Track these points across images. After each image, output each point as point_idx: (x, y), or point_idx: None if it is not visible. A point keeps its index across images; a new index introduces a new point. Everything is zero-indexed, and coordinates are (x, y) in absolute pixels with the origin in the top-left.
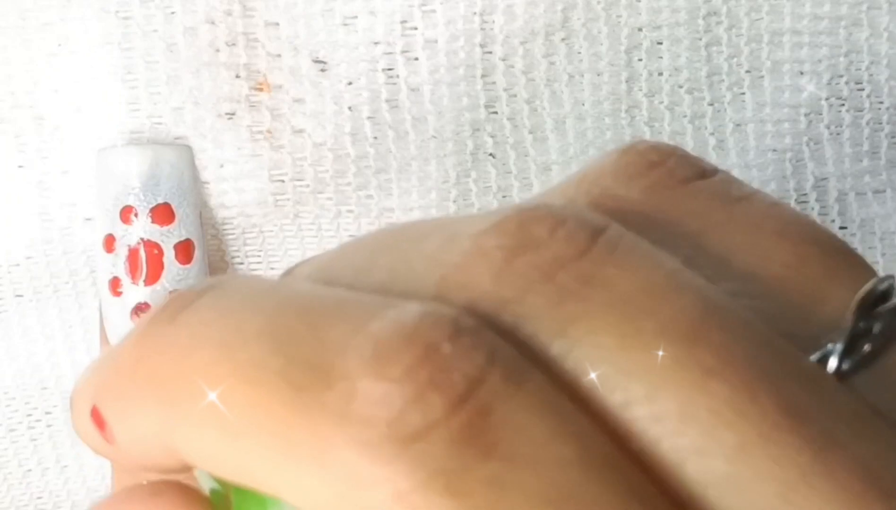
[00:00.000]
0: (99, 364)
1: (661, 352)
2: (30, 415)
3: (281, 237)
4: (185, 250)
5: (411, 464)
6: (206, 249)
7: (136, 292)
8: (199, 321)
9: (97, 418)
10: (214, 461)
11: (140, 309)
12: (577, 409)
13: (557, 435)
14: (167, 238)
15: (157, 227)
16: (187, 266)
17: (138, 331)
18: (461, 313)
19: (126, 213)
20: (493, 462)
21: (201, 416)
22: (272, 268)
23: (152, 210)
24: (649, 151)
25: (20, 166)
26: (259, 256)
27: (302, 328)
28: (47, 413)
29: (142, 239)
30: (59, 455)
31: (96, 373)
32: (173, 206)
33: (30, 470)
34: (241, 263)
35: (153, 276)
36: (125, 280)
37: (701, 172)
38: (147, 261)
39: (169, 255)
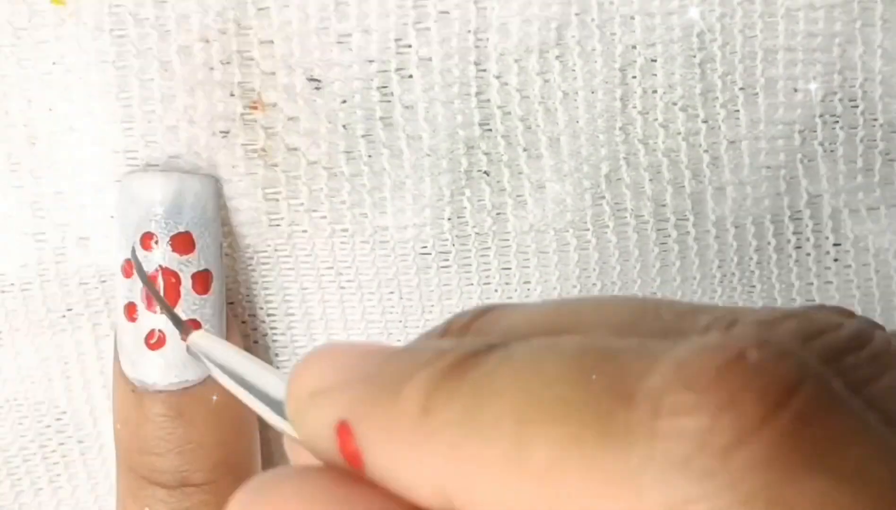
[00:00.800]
0: (363, 383)
1: None
2: (42, 434)
3: (275, 257)
4: (203, 280)
5: (730, 477)
6: (225, 281)
7: (151, 319)
8: (494, 372)
9: (345, 434)
10: (509, 505)
11: (152, 336)
12: (891, 432)
13: (878, 454)
14: (186, 267)
15: (176, 255)
16: (204, 296)
17: (426, 379)
18: (764, 328)
19: (146, 240)
20: (819, 477)
21: (501, 462)
22: (266, 288)
23: (173, 238)
24: (840, 309)
25: (13, 186)
26: (253, 276)
27: (601, 365)
28: (59, 432)
29: (160, 266)
30: (70, 474)
31: (356, 391)
32: (194, 236)
33: (41, 488)
34: (236, 283)
35: (169, 304)
36: (140, 306)
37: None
38: (164, 289)
39: (186, 284)
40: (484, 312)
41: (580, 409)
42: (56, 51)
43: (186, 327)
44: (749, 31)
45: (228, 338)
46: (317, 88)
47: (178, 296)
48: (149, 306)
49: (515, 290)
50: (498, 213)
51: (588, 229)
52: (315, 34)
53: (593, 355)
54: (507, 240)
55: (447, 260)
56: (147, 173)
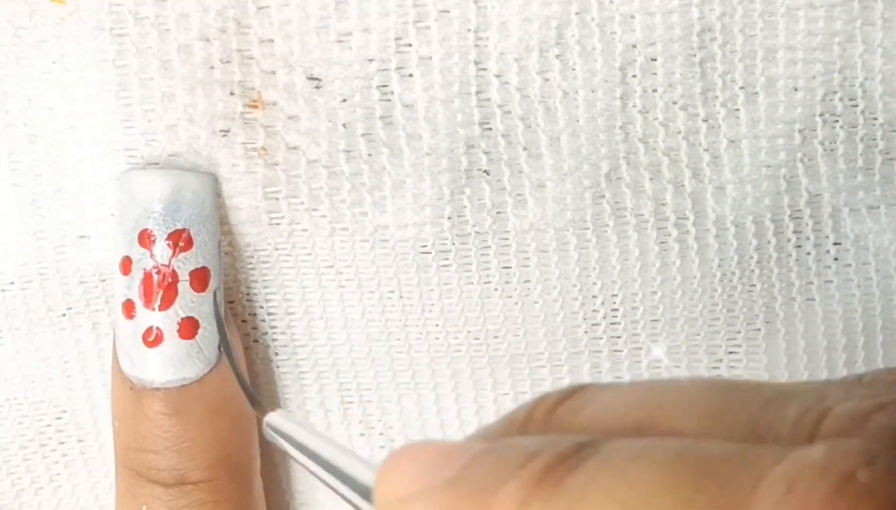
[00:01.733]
0: (451, 488)
1: None
2: (42, 432)
3: (275, 255)
4: (200, 278)
5: None
6: (223, 279)
7: (149, 316)
8: (590, 482)
9: None
10: None
11: (149, 333)
12: None
13: None
14: (184, 264)
15: (174, 252)
16: (202, 294)
17: (519, 486)
18: (871, 442)
19: (144, 237)
20: None
21: None
22: (265, 287)
23: (171, 235)
24: None
25: (13, 184)
26: (253, 275)
27: (701, 479)
28: (59, 431)
29: (158, 263)
30: (70, 473)
31: (445, 497)
32: (192, 233)
33: (41, 487)
34: (236, 282)
35: (167, 302)
36: (138, 303)
37: None
38: (162, 286)
39: (184, 282)
40: (568, 396)
41: None
42: (56, 50)
43: (262, 407)
44: (749, 30)
45: (227, 336)
46: (317, 87)
47: (177, 293)
48: (147, 303)
49: (515, 289)
50: (498, 212)
51: (588, 228)
52: (315, 33)
53: (693, 466)
54: (508, 239)
55: (447, 259)
56: (145, 170)
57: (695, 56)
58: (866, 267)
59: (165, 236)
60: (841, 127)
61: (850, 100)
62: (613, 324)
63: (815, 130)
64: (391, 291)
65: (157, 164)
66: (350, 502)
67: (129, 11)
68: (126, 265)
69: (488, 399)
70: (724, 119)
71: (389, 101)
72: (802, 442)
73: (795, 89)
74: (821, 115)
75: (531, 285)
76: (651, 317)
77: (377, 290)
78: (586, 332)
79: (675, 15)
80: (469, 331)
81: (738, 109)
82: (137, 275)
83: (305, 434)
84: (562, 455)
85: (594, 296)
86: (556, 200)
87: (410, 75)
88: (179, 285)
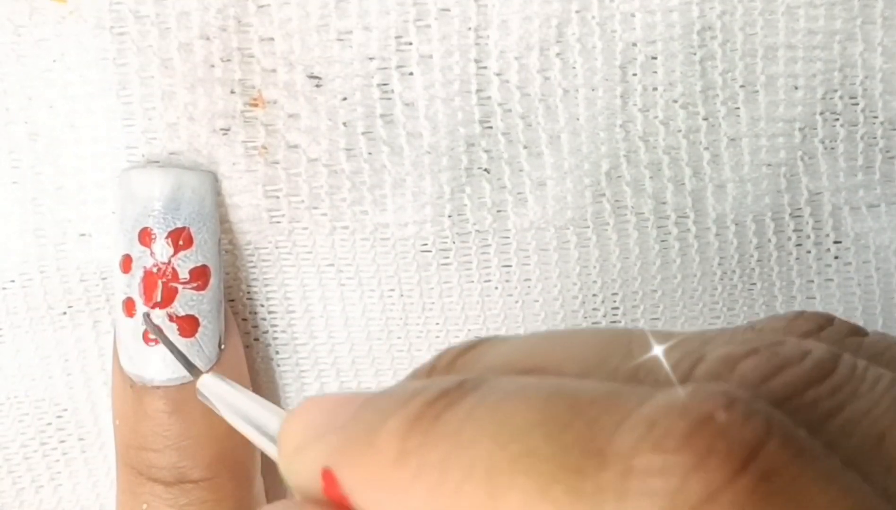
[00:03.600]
0: (341, 431)
1: None
2: (43, 431)
3: (276, 254)
4: (200, 276)
5: None
6: (223, 277)
7: (149, 314)
8: (467, 417)
9: (329, 479)
10: None
11: (149, 331)
12: (856, 477)
13: (840, 504)
14: (184, 262)
15: (174, 250)
16: (202, 292)
17: (400, 422)
18: (732, 387)
19: (144, 235)
20: None
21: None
22: (266, 286)
23: (171, 233)
24: (817, 316)
25: (14, 182)
26: (254, 273)
27: (571, 416)
28: (60, 429)
29: (158, 261)
30: (71, 471)
31: (335, 440)
32: (192, 231)
33: (42, 486)
34: (236, 280)
35: (167, 300)
36: (139, 301)
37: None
38: (162, 285)
39: (184, 280)
40: (469, 348)
41: (550, 463)
42: (57, 48)
43: (196, 370)
44: (749, 29)
45: (228, 335)
46: (317, 86)
47: (177, 291)
48: (147, 301)
49: (516, 288)
50: (498, 211)
51: (588, 227)
52: (315, 31)
53: (562, 403)
54: (508, 237)
55: (447, 257)
56: (145, 169)
57: (695, 54)
58: (867, 265)
59: (165, 234)
60: (841, 125)
61: (851, 98)
62: (614, 322)
63: (815, 129)
64: (392, 290)
65: (158, 162)
66: (270, 455)
67: (130, 10)
68: (126, 263)
69: None
70: (725, 117)
71: (390, 99)
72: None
73: (796, 88)
74: (821, 113)
75: (531, 284)
76: (651, 316)
77: (378, 289)
78: None
79: (676, 13)
80: (469, 330)
81: (738, 108)
82: (137, 273)
83: (233, 393)
84: (443, 391)
85: (594, 295)
86: (556, 199)
87: (411, 74)
88: (179, 283)
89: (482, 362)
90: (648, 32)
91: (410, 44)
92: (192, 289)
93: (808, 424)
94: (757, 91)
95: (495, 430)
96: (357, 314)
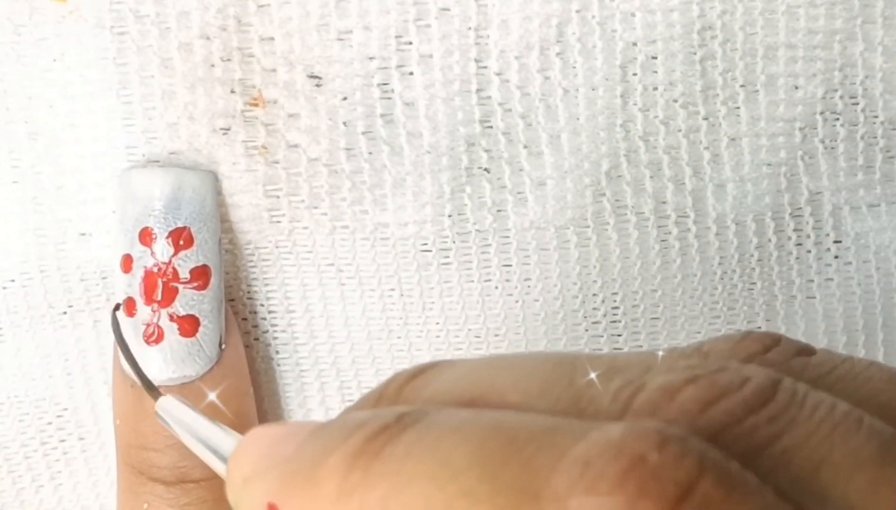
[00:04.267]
0: (285, 465)
1: None
2: (43, 431)
3: (276, 253)
4: (201, 275)
5: None
6: (224, 277)
7: (150, 315)
8: (406, 455)
9: None
10: None
11: (150, 331)
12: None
13: None
14: (184, 262)
15: (174, 250)
16: (203, 292)
17: (341, 459)
18: (666, 425)
19: (145, 235)
20: None
21: None
22: (266, 285)
23: (171, 233)
24: (764, 336)
25: (14, 182)
26: (254, 273)
27: (508, 455)
28: (60, 428)
29: (159, 261)
30: (72, 471)
31: (279, 473)
32: (193, 231)
33: (42, 485)
34: (237, 280)
35: (167, 300)
36: (139, 301)
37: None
38: (162, 284)
39: (185, 280)
40: (417, 374)
41: (486, 505)
42: (57, 48)
43: (155, 391)
44: (750, 29)
45: (228, 334)
46: (317, 85)
47: (177, 291)
48: (147, 301)
49: (516, 287)
50: (499, 210)
51: (589, 226)
52: (316, 31)
53: (499, 441)
54: (508, 237)
55: (448, 257)
56: (146, 169)
57: (695, 54)
58: (867, 265)
59: (166, 234)
60: (841, 125)
61: (851, 98)
62: (614, 321)
63: (815, 128)
64: (392, 289)
65: (158, 162)
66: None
67: (130, 9)
68: (127, 263)
69: None
70: (725, 117)
71: (390, 99)
72: (616, 416)
73: (796, 87)
74: (821, 113)
75: (532, 283)
76: (651, 315)
77: (378, 288)
78: (587, 330)
79: (676, 13)
80: (470, 329)
81: (738, 107)
82: (138, 273)
83: (192, 416)
84: (383, 425)
85: (595, 294)
86: (556, 198)
87: (411, 73)
88: (180, 283)
89: (428, 390)
90: (649, 32)
91: (410, 43)
92: (193, 288)
93: (746, 453)
94: (757, 91)
95: (433, 470)
96: (357, 314)
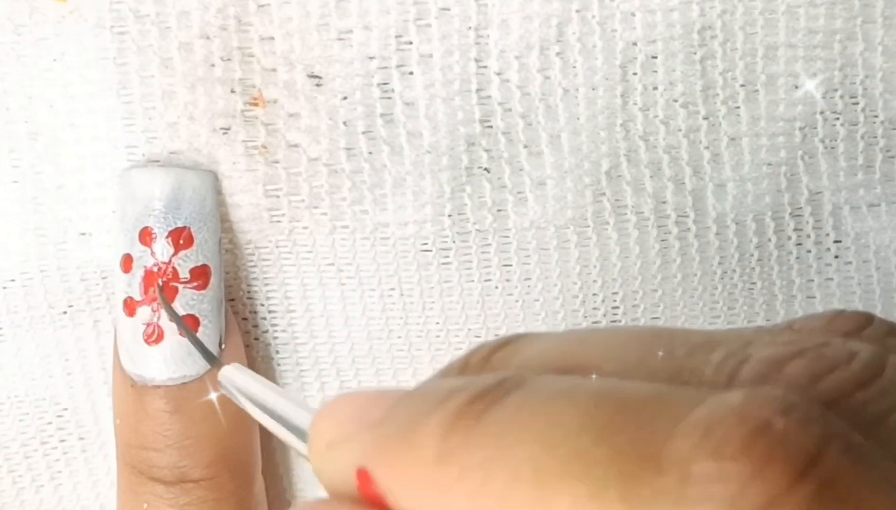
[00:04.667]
0: (376, 429)
1: None
2: (43, 430)
3: (276, 253)
4: (201, 275)
5: None
6: (224, 276)
7: (150, 314)
8: (511, 418)
9: (365, 478)
10: None
11: (150, 331)
12: None
13: None
14: (184, 262)
15: (174, 250)
16: (203, 292)
17: (439, 422)
18: (788, 392)
19: (145, 235)
20: None
21: None
22: (266, 285)
23: (171, 233)
24: (857, 315)
25: (14, 181)
26: (254, 272)
27: (621, 420)
28: (60, 428)
29: (159, 261)
30: (71, 471)
31: (370, 438)
32: (193, 231)
33: (42, 485)
34: (237, 280)
35: (167, 299)
36: (140, 301)
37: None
38: (162, 284)
39: (185, 279)
40: (504, 345)
41: (602, 467)
42: (57, 48)
43: (216, 360)
44: (750, 28)
45: (228, 334)
46: (318, 85)
47: (177, 291)
48: (147, 301)
49: (516, 287)
50: (499, 210)
51: (589, 226)
52: (316, 31)
53: (611, 405)
54: (508, 236)
55: (448, 256)
56: (146, 168)
57: (695, 54)
58: (867, 265)
59: (166, 234)
60: (841, 125)
61: (851, 97)
62: (614, 321)
63: (815, 128)
64: (392, 289)
65: (158, 161)
66: (297, 450)
67: (130, 9)
68: (127, 263)
69: None
70: (725, 117)
71: (390, 98)
72: (722, 386)
73: (796, 87)
74: (821, 112)
75: (532, 283)
76: (651, 315)
77: (378, 288)
78: None
79: (676, 13)
80: (470, 329)
81: (738, 107)
82: (138, 272)
83: (257, 386)
84: (484, 389)
85: (594, 294)
86: (556, 198)
87: (411, 73)
88: (180, 283)
89: (517, 359)
90: (649, 32)
91: (411, 43)
92: (193, 288)
93: (859, 428)
94: (757, 90)
95: (542, 432)
96: (357, 313)
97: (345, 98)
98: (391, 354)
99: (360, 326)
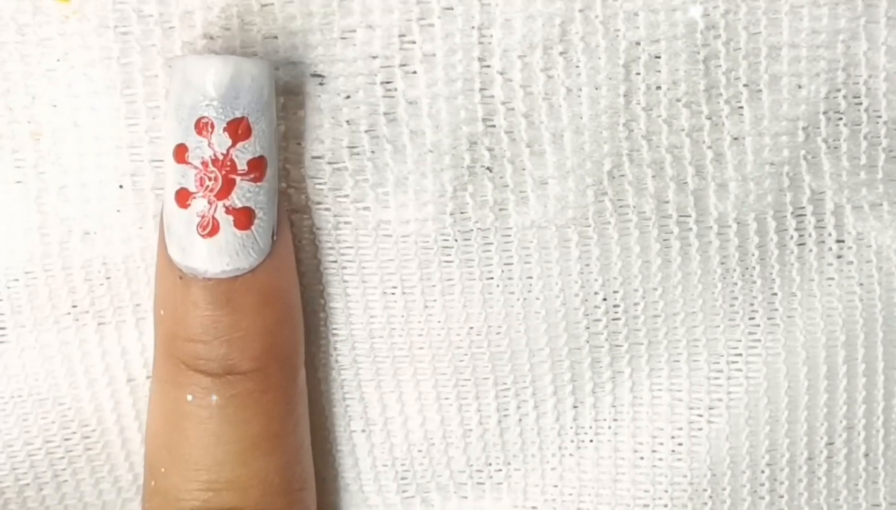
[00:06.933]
0: None
1: None
2: (46, 430)
3: None
4: (258, 167)
5: None
6: (278, 166)
7: (205, 206)
8: None
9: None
10: None
11: (205, 223)
12: None
13: None
14: (242, 153)
15: (232, 141)
16: (259, 184)
17: None
18: None
19: (201, 125)
20: None
21: None
22: None
23: (229, 124)
24: None
25: (18, 181)
26: None
27: None
28: (63, 428)
29: (216, 152)
30: (74, 470)
31: None
32: (251, 121)
33: (45, 483)
34: None
35: (225, 192)
36: (195, 192)
37: None
38: (220, 176)
39: (242, 171)
40: None
41: None
42: (60, 47)
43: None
44: (753, 28)
45: (280, 227)
46: (320, 84)
47: (234, 183)
48: (203, 193)
49: (517, 286)
50: (500, 209)
51: (590, 225)
52: (319, 30)
53: None
54: (510, 235)
55: (449, 255)
56: (202, 56)
57: (698, 53)
58: (868, 264)
59: (224, 125)
60: (844, 124)
61: (854, 97)
62: (615, 320)
63: (818, 128)
64: (393, 287)
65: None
66: None
67: (133, 9)
68: (180, 153)
69: (489, 394)
70: (728, 116)
71: (393, 97)
72: None
73: (799, 87)
74: (824, 112)
75: (533, 282)
76: (652, 314)
77: (379, 286)
78: (587, 329)
79: (679, 12)
80: (471, 327)
81: (741, 107)
82: (194, 163)
83: None
84: None
85: (595, 293)
86: (558, 197)
87: (414, 72)
88: (237, 175)
89: None
90: (652, 31)
91: (414, 42)
92: (250, 180)
93: None
94: (760, 90)
95: None
96: (359, 311)
97: (348, 97)
98: (392, 352)
99: (361, 324)
